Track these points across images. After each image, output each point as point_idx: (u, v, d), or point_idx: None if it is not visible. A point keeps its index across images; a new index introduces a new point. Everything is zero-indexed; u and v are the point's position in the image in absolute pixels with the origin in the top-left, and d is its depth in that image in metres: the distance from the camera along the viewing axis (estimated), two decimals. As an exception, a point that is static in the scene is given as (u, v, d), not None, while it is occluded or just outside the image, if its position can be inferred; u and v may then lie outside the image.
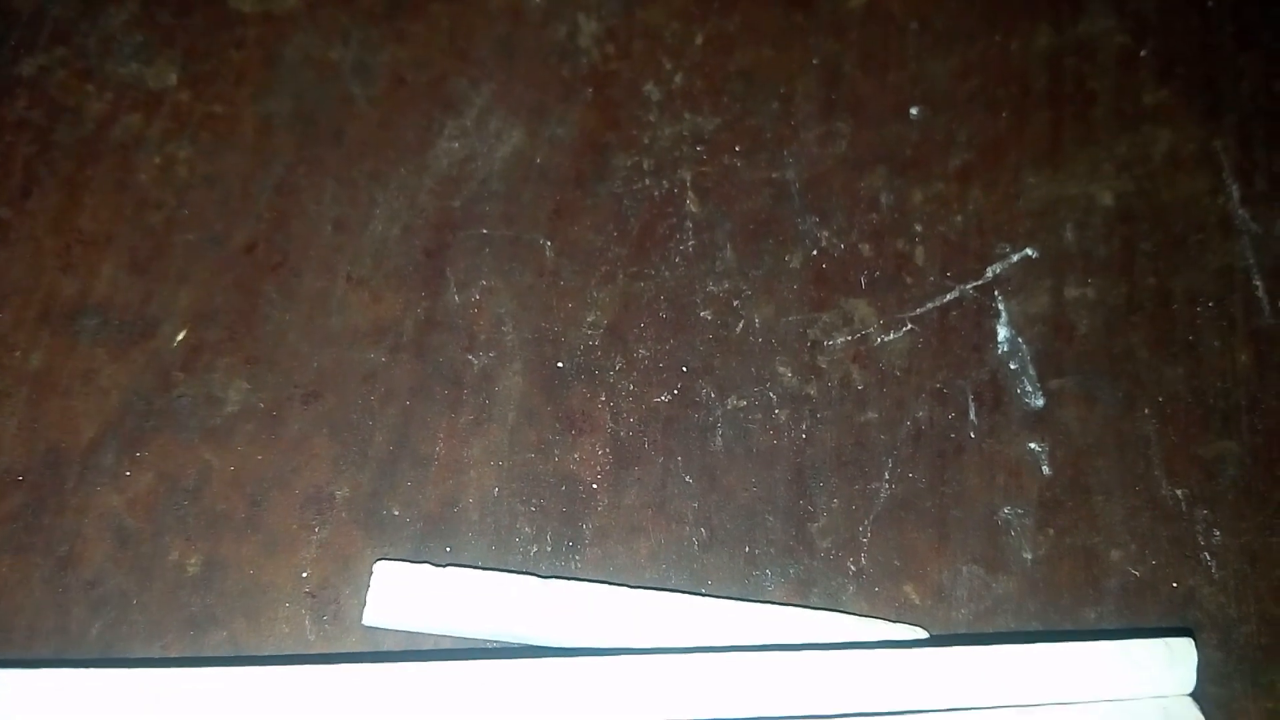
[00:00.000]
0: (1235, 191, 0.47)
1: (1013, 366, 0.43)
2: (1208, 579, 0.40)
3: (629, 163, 0.46)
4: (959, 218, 0.46)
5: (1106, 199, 0.46)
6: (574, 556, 0.39)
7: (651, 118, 0.47)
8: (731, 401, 0.42)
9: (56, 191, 0.44)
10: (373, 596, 0.36)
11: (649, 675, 0.34)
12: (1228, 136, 0.48)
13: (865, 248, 0.45)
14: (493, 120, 0.47)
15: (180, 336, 0.42)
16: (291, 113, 0.46)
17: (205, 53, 0.47)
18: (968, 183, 0.47)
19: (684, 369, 0.43)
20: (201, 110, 0.46)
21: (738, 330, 0.44)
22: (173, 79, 0.47)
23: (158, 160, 0.45)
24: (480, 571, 0.38)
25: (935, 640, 0.38)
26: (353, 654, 0.37)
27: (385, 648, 0.38)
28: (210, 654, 0.37)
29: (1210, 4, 0.51)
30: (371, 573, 0.37)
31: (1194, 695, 0.36)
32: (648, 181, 0.46)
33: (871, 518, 0.40)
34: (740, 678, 0.35)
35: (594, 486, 0.41)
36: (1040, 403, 0.43)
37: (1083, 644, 0.36)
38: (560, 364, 0.43)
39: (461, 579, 0.37)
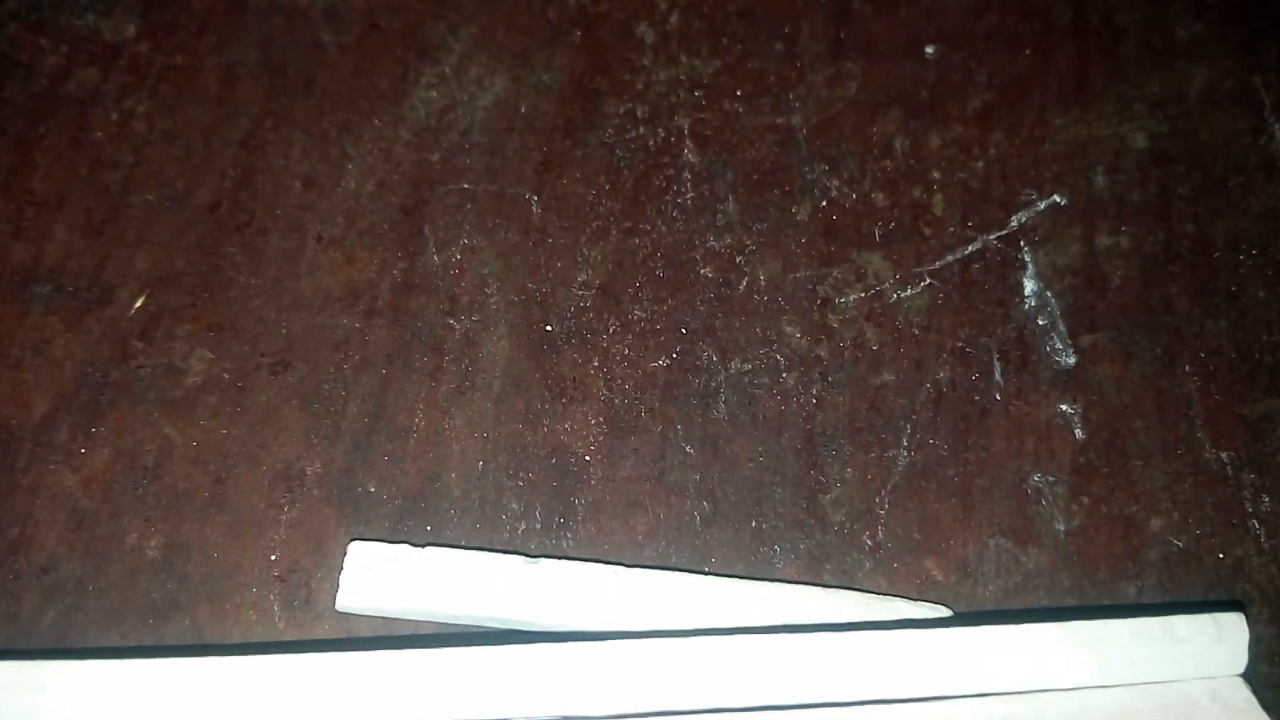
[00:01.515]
0: (1278, 130, 0.43)
1: (1041, 322, 0.40)
2: (1257, 548, 0.37)
3: (621, 110, 0.43)
4: (980, 163, 0.43)
5: (1139, 140, 0.43)
6: (565, 534, 0.37)
7: (645, 61, 0.44)
8: (735, 365, 0.39)
9: (7, 151, 0.42)
10: (346, 579, 0.34)
11: (647, 661, 0.32)
12: (1268, 71, 0.45)
13: (879, 197, 0.42)
14: (473, 67, 0.44)
15: (138, 303, 0.39)
16: (257, 62, 0.44)
17: (166, 1, 0.44)
18: (989, 125, 0.43)
19: (683, 331, 0.40)
20: (162, 62, 0.43)
21: (741, 288, 0.40)
22: (131, 30, 0.44)
23: (115, 116, 0.42)
24: (462, 551, 0.35)
25: (960, 619, 0.35)
26: (325, 641, 0.35)
27: (360, 634, 0.35)
28: (172, 643, 0.35)
29: (1248, -70, 0.47)
30: (345, 554, 0.34)
31: (1245, 675, 0.33)
32: (642, 130, 0.43)
33: (889, 488, 0.37)
34: (747, 663, 0.32)
35: (587, 459, 0.38)
36: (1072, 361, 0.39)
37: (1123, 621, 0.33)
38: (549, 327, 0.40)
39: (442, 559, 0.35)
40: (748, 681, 0.32)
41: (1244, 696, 0.33)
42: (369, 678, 0.31)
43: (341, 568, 0.34)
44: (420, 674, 0.31)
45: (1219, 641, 0.33)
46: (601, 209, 0.42)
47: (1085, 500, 0.37)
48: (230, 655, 0.31)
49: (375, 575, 0.34)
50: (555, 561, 0.35)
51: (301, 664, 0.31)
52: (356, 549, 0.35)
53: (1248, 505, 0.37)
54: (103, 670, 0.31)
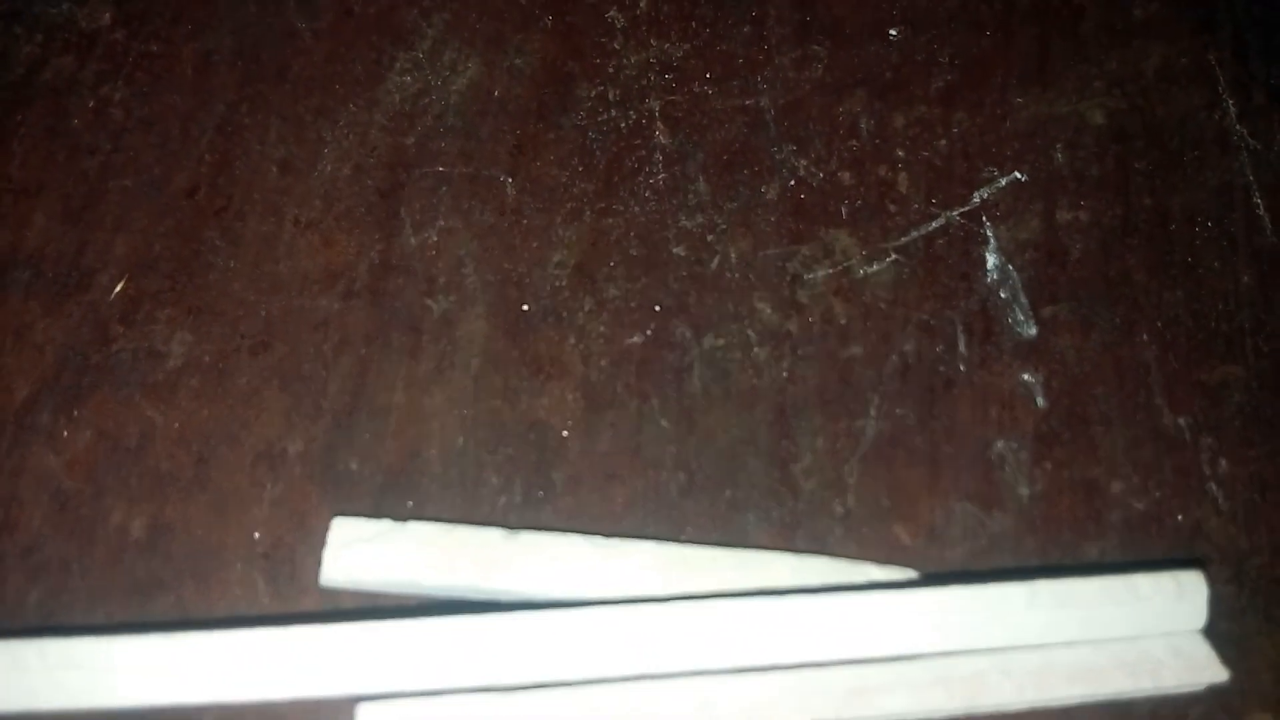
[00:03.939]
0: (1232, 106, 0.45)
1: (1003, 295, 0.41)
2: (1215, 510, 0.38)
3: (593, 93, 0.44)
4: (943, 141, 0.44)
5: (1098, 117, 0.44)
6: (545, 507, 0.37)
7: (616, 45, 0.45)
8: (708, 340, 0.40)
9: (-16, 140, 0.42)
10: (330, 555, 0.34)
11: (626, 627, 0.32)
12: (1223, 49, 0.46)
13: (845, 176, 0.43)
14: (447, 51, 0.44)
15: (118, 287, 0.40)
16: (232, 49, 0.44)
17: (140, -10, 0.45)
18: (952, 105, 0.44)
19: (657, 308, 0.40)
20: (137, 49, 0.44)
21: (713, 266, 0.41)
22: (106, 18, 0.44)
23: (91, 103, 0.43)
24: (444, 525, 0.35)
25: (927, 580, 0.36)
26: (310, 614, 0.35)
27: (345, 608, 0.35)
28: (158, 620, 0.35)
29: (1202, -87, 0.48)
30: (328, 530, 0.35)
31: (1205, 632, 0.34)
32: (614, 112, 0.44)
33: (858, 457, 0.38)
34: (722, 626, 0.32)
35: (565, 434, 0.38)
36: (1033, 332, 0.40)
37: (1085, 580, 0.34)
38: (526, 306, 0.40)
39: (424, 533, 0.35)
40: (723, 644, 0.33)
41: (1204, 652, 0.34)
42: (355, 650, 0.32)
43: (325, 544, 0.35)
44: (405, 645, 0.32)
45: (1179, 599, 0.34)
46: (575, 190, 0.42)
47: (1048, 465, 0.38)
48: (216, 630, 0.32)
49: (358, 550, 0.34)
50: (535, 533, 0.36)
51: (287, 637, 0.32)
52: (339, 525, 0.35)
53: (1206, 468, 0.38)
54: (89, 648, 0.32)
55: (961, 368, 0.40)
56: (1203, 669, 0.34)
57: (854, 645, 0.33)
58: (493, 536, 0.35)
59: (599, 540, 0.36)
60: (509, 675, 0.32)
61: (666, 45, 0.45)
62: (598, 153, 0.43)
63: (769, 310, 0.41)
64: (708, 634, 0.32)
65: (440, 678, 0.32)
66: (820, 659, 0.33)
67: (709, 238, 0.42)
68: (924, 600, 0.33)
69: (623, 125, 0.43)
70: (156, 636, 0.32)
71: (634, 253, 0.41)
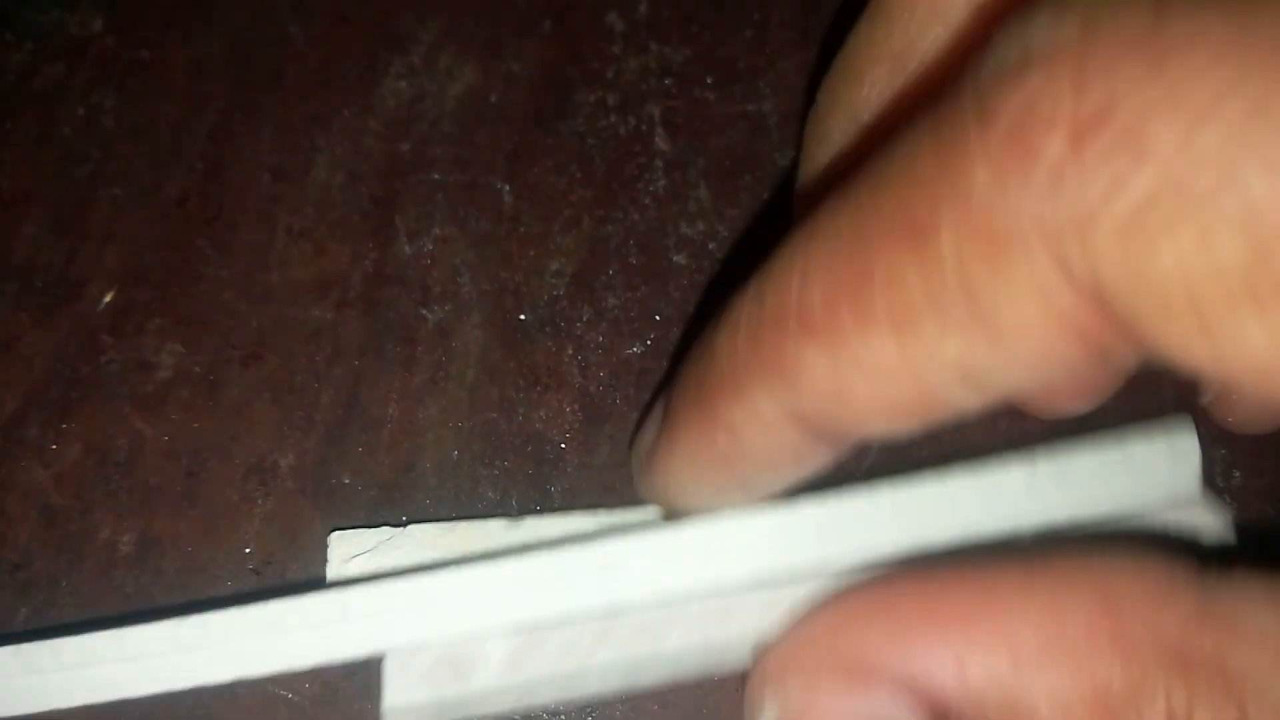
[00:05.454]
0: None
1: (1011, 303, 0.40)
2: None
3: (592, 99, 0.43)
4: (949, 147, 0.43)
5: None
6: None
7: (616, 50, 0.44)
8: (709, 350, 0.39)
9: (-28, 148, 0.41)
10: (332, 570, 0.34)
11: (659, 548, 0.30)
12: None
13: (849, 182, 0.42)
14: (443, 57, 0.44)
15: (107, 298, 0.39)
16: (224, 55, 0.43)
17: (131, -5, 0.44)
18: (957, 109, 0.43)
19: (657, 318, 0.40)
20: (128, 56, 0.43)
21: (714, 274, 0.40)
22: (97, 25, 0.44)
23: (81, 111, 0.42)
24: (444, 524, 0.35)
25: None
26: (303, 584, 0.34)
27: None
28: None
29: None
30: (327, 545, 0.34)
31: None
32: (613, 118, 0.43)
33: (863, 470, 0.37)
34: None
35: (562, 446, 0.38)
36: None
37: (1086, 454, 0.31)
38: (522, 316, 0.40)
39: (425, 535, 0.34)
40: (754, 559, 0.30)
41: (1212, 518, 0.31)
42: (375, 608, 0.30)
43: (321, 559, 0.34)
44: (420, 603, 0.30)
45: (1174, 462, 0.31)
46: (573, 197, 0.42)
47: (1058, 478, 0.37)
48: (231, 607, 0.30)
49: (361, 563, 0.34)
50: (538, 518, 0.35)
51: (305, 604, 0.30)
52: (338, 539, 0.34)
53: (1219, 480, 0.38)
54: (104, 642, 0.30)
55: (968, 378, 0.39)
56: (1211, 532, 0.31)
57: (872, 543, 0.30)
58: (495, 528, 0.34)
59: (602, 513, 0.34)
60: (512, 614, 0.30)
61: (667, 49, 0.44)
62: (596, 159, 0.42)
63: (771, 319, 0.40)
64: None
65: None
66: (850, 559, 0.30)
67: (710, 246, 0.41)
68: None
69: (622, 131, 0.43)
70: (171, 622, 0.30)
71: (634, 261, 0.41)
